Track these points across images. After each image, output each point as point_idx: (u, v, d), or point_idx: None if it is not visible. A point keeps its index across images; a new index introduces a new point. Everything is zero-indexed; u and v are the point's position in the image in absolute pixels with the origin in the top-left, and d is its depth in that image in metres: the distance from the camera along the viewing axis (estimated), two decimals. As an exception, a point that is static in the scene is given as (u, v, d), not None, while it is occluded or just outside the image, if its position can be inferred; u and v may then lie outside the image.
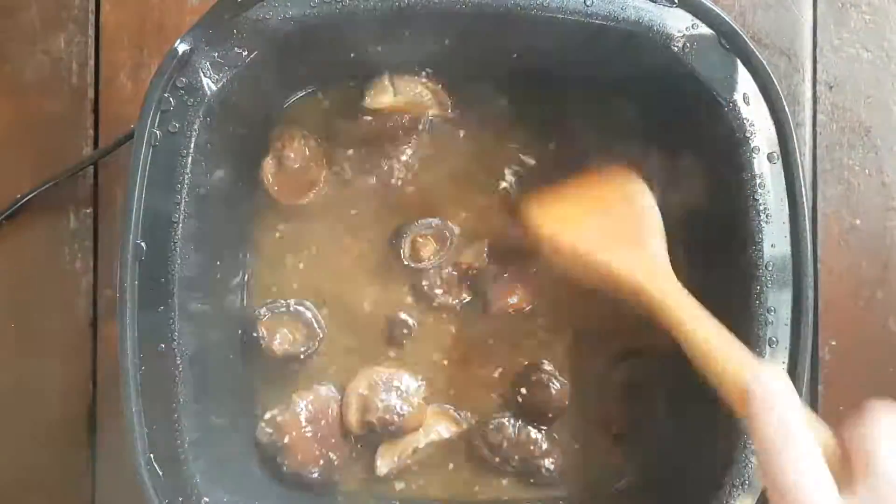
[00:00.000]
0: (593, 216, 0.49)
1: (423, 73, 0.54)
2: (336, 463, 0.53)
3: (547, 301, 0.55)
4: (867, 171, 0.57)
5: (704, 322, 0.42)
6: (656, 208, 0.49)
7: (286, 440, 0.52)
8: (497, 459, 0.54)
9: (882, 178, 0.57)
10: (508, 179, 0.55)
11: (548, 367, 0.55)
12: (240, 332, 0.54)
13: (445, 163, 0.55)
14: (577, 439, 0.55)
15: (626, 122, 0.55)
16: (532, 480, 0.54)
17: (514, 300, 0.54)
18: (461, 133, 0.55)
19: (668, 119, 0.53)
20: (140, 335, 0.44)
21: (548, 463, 0.54)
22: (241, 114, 0.49)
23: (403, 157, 0.54)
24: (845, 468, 0.35)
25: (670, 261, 0.47)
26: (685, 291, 0.45)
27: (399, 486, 0.55)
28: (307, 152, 0.54)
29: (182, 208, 0.45)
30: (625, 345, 0.55)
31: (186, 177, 0.45)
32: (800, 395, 0.46)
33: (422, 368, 0.55)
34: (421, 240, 0.54)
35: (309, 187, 0.54)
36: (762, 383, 0.37)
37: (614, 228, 0.48)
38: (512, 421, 0.54)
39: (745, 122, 0.46)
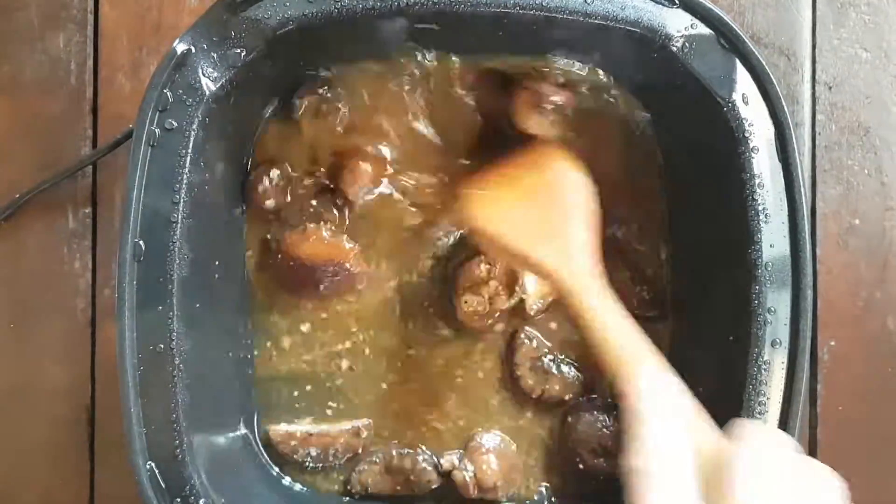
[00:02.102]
0: (521, 207, 0.49)
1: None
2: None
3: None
4: (866, 171, 0.57)
5: (609, 313, 0.43)
6: (587, 196, 0.49)
7: None
8: None
9: (881, 178, 0.57)
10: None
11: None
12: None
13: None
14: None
15: (625, 121, 0.55)
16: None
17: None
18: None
19: (667, 119, 0.53)
20: (139, 335, 0.44)
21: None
22: (239, 113, 0.49)
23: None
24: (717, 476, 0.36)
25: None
26: (603, 285, 0.45)
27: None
28: None
29: (181, 208, 0.45)
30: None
31: (185, 176, 0.45)
32: (799, 395, 0.46)
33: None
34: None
35: None
36: (647, 381, 0.39)
37: (541, 220, 0.49)
38: None
39: (744, 121, 0.46)
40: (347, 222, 0.54)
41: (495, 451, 0.54)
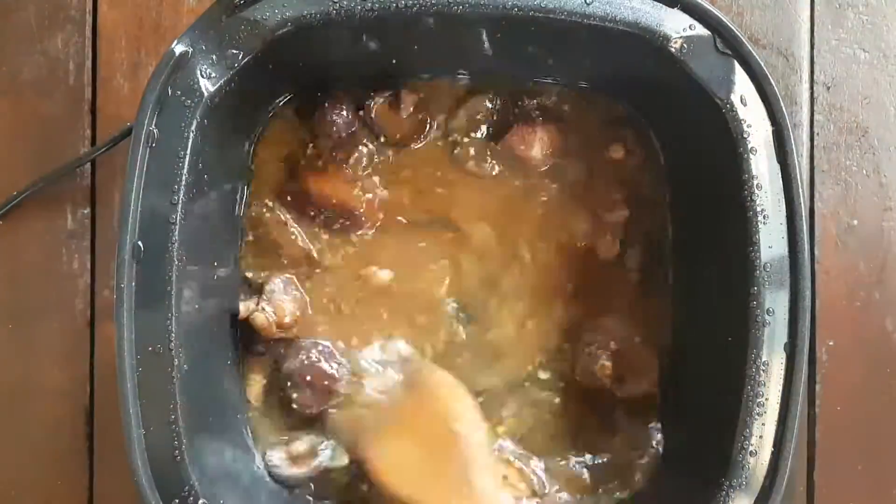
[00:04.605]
0: (422, 459, 0.50)
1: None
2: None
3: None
4: (864, 171, 0.57)
5: None
6: (479, 430, 0.50)
7: None
8: None
9: (879, 179, 0.57)
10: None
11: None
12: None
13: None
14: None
15: (623, 123, 0.55)
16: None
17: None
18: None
19: (665, 120, 0.53)
20: (137, 336, 0.44)
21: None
22: (238, 114, 0.49)
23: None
24: None
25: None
26: None
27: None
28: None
29: (179, 208, 0.45)
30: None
31: (184, 177, 0.45)
32: (798, 396, 0.46)
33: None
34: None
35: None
36: None
37: (442, 474, 0.50)
38: None
39: (742, 122, 0.46)
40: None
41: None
